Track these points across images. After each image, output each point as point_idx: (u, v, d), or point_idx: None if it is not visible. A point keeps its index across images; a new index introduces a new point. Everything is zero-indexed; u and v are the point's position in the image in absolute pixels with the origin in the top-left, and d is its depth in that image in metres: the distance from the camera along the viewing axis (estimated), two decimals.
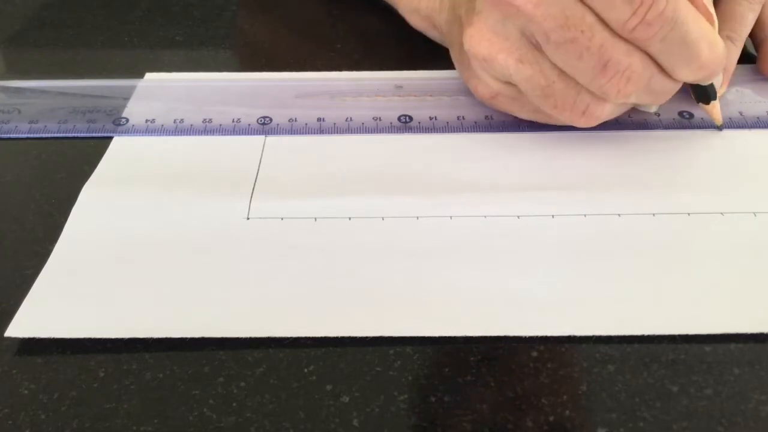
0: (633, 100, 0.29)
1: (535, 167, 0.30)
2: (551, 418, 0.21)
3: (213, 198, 0.29)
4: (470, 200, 0.28)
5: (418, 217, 0.28)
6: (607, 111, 0.29)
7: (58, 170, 0.31)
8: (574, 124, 0.29)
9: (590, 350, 0.23)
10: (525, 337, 0.23)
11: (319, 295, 0.25)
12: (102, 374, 0.23)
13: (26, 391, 0.22)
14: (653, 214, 0.28)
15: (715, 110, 0.32)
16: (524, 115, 0.31)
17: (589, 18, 0.26)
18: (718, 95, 0.32)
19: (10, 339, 0.23)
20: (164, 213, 0.28)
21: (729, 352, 0.23)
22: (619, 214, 0.28)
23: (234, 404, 0.22)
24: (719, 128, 0.32)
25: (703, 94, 0.31)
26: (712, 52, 0.27)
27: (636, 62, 0.27)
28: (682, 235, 0.27)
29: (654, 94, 0.29)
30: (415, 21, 0.36)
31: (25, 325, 0.24)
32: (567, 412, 0.21)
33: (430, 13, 0.34)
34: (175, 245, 0.27)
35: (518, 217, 0.28)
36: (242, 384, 0.22)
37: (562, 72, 0.28)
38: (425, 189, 0.29)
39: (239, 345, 0.23)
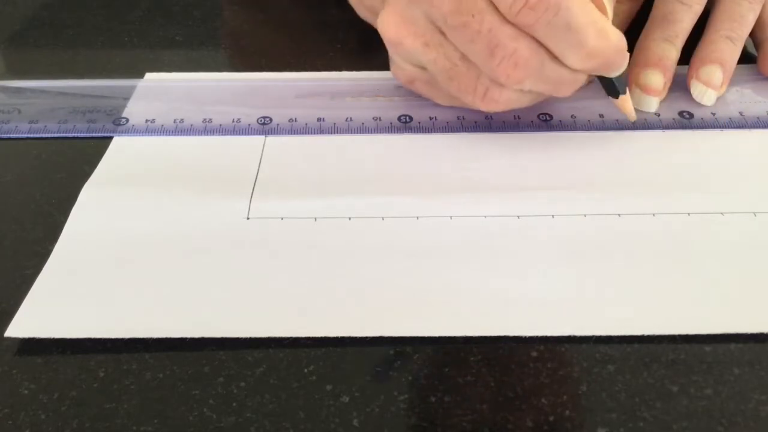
0: (530, 87, 0.28)
1: (535, 167, 0.30)
2: (551, 418, 0.21)
3: (213, 198, 0.29)
4: (470, 200, 0.28)
5: (418, 217, 0.28)
6: (506, 96, 0.29)
7: (58, 170, 0.31)
8: (478, 108, 0.30)
9: (590, 350, 0.23)
10: (525, 337, 0.23)
11: (319, 295, 0.25)
12: (102, 374, 0.23)
13: (26, 391, 0.22)
14: (653, 214, 0.28)
15: (626, 105, 0.31)
16: (441, 100, 0.32)
17: (481, 3, 0.26)
18: (713, 95, 0.32)
19: (10, 339, 0.23)
20: (164, 213, 0.28)
21: (729, 352, 0.23)
22: (619, 214, 0.28)
23: (234, 404, 0.22)
24: (634, 123, 0.32)
25: (610, 87, 0.30)
26: (601, 40, 0.26)
27: (523, 47, 0.27)
28: (682, 235, 0.27)
29: (551, 82, 0.28)
30: (362, 11, 0.36)
31: (25, 325, 0.24)
32: (567, 412, 0.21)
33: (371, 3, 0.34)
34: (175, 245, 0.27)
35: (518, 217, 0.28)
36: (242, 384, 0.22)
37: (463, 56, 0.28)
38: (425, 189, 0.29)
39: (239, 345, 0.23)
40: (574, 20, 0.26)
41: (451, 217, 0.28)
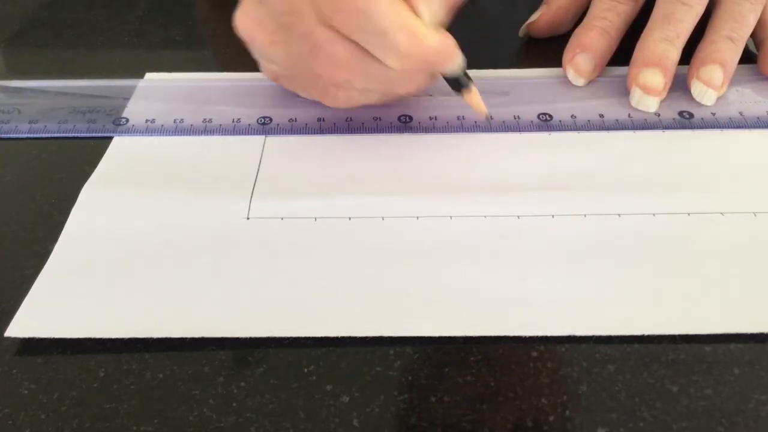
0: (362, 86, 0.29)
1: (535, 167, 0.30)
2: (551, 418, 0.21)
3: (213, 198, 0.29)
4: (470, 200, 0.28)
5: (418, 217, 0.28)
6: (345, 95, 0.30)
7: (58, 170, 0.31)
8: (325, 104, 0.31)
9: (590, 350, 0.23)
10: (525, 337, 0.23)
11: (319, 295, 0.25)
12: (102, 374, 0.23)
13: (26, 391, 0.22)
14: (653, 214, 0.28)
15: (474, 100, 0.31)
16: (306, 94, 0.32)
17: (304, 4, 0.27)
18: (714, 95, 0.32)
19: (10, 339, 0.23)
20: (164, 213, 0.28)
21: (729, 352, 0.23)
22: (619, 214, 0.28)
23: (234, 404, 0.22)
24: (487, 119, 0.32)
25: (453, 83, 0.31)
26: (414, 42, 0.27)
27: (340, 49, 0.27)
28: (682, 235, 0.27)
29: (384, 81, 0.29)
30: None
31: (25, 325, 0.24)
32: (567, 412, 0.21)
33: None
34: (175, 245, 0.27)
35: (518, 217, 0.28)
36: (242, 384, 0.22)
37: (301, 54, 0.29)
38: (425, 189, 0.29)
39: (239, 345, 0.23)
40: (382, 24, 0.26)
41: (451, 217, 0.28)
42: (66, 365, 0.23)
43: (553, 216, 0.28)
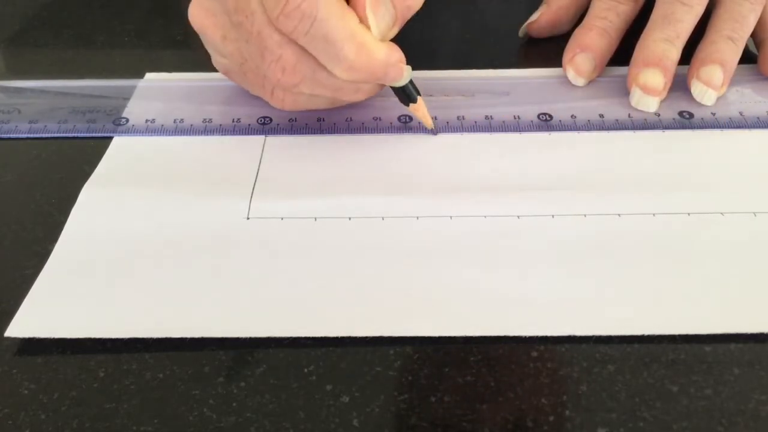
0: (309, 91, 0.29)
1: (535, 167, 0.30)
2: (551, 418, 0.21)
3: (213, 198, 0.29)
4: (470, 200, 0.28)
5: (418, 217, 0.28)
6: (291, 98, 0.30)
7: (58, 170, 0.31)
8: (271, 105, 0.31)
9: (590, 350, 0.23)
10: (525, 337, 0.23)
11: (319, 295, 0.25)
12: (102, 374, 0.23)
13: (26, 391, 0.22)
14: (653, 214, 0.28)
15: (420, 112, 0.32)
16: (253, 92, 0.32)
17: (254, 4, 0.27)
18: (714, 95, 0.32)
19: (10, 339, 0.23)
20: (164, 213, 0.28)
21: (729, 352, 0.23)
22: (619, 214, 0.28)
23: (234, 404, 0.22)
24: (433, 132, 0.32)
25: (401, 94, 0.31)
26: (362, 54, 0.27)
27: (288, 54, 0.27)
28: (682, 235, 0.27)
29: (330, 88, 0.29)
30: None
31: (25, 325, 0.24)
32: (567, 412, 0.21)
33: None
34: (175, 245, 0.27)
35: (518, 217, 0.28)
36: (242, 384, 0.22)
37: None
38: (425, 189, 0.29)
39: (239, 345, 0.23)
40: (330, 33, 0.26)
41: (451, 217, 0.28)
42: (66, 365, 0.23)
43: (553, 216, 0.28)
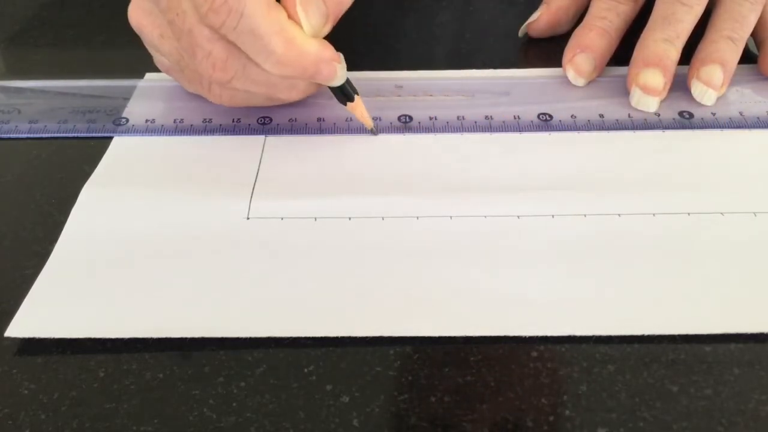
0: (243, 87, 0.29)
1: (535, 167, 0.30)
2: (551, 418, 0.21)
3: (213, 198, 0.29)
4: (470, 200, 0.28)
5: (418, 217, 0.28)
6: (228, 94, 0.30)
7: (58, 170, 0.31)
8: (210, 101, 0.31)
9: (590, 350, 0.23)
10: (525, 337, 0.23)
11: (319, 295, 0.25)
12: (102, 374, 0.23)
13: (26, 391, 0.22)
14: (653, 214, 0.28)
15: (358, 111, 0.32)
16: (192, 90, 0.32)
17: (185, 3, 0.27)
18: (714, 95, 0.32)
19: (10, 339, 0.23)
20: (164, 213, 0.28)
21: (729, 352, 0.23)
22: (619, 214, 0.28)
23: (234, 404, 0.22)
24: (373, 132, 0.32)
25: (337, 93, 0.31)
26: (291, 49, 0.27)
27: (218, 49, 0.28)
28: (682, 235, 0.27)
29: (264, 85, 0.29)
30: None
31: (25, 325, 0.24)
32: (567, 412, 0.21)
33: None
34: (175, 245, 0.27)
35: (518, 217, 0.28)
36: (242, 384, 0.22)
37: None
38: (425, 189, 0.29)
39: (239, 345, 0.23)
40: (257, 28, 0.26)
41: (451, 217, 0.28)
42: (66, 365, 0.23)
43: (553, 216, 0.28)
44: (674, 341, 0.23)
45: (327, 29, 0.29)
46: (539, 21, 0.38)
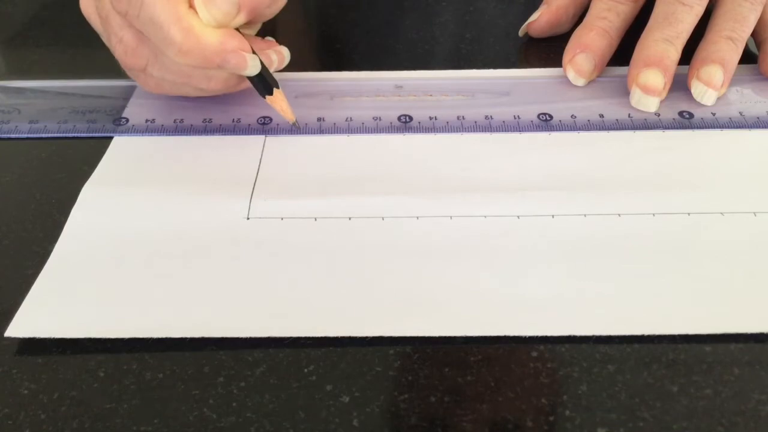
0: (160, 74, 0.30)
1: (535, 167, 0.30)
2: (551, 418, 0.21)
3: (213, 198, 0.29)
4: (470, 200, 0.28)
5: (418, 217, 0.28)
6: (153, 81, 0.31)
7: (58, 170, 0.31)
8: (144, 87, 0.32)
9: (590, 350, 0.23)
10: (525, 337, 0.23)
11: (319, 295, 0.25)
12: (102, 374, 0.23)
13: (26, 391, 0.22)
14: (653, 214, 0.28)
15: (278, 105, 0.31)
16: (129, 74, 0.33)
17: None
18: (714, 95, 0.32)
19: (10, 339, 0.23)
20: (164, 213, 0.28)
21: (729, 352, 0.23)
22: (619, 214, 0.28)
23: (234, 404, 0.22)
24: (295, 126, 0.32)
25: (257, 86, 0.31)
26: (189, 38, 0.27)
27: (128, 36, 0.29)
28: (682, 235, 0.27)
29: (179, 73, 0.30)
30: None
31: (25, 325, 0.24)
32: (567, 412, 0.21)
33: None
34: (175, 245, 0.27)
35: (518, 217, 0.28)
36: (242, 384, 0.22)
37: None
38: (425, 189, 0.29)
39: (239, 345, 0.23)
40: (156, 16, 0.27)
41: (451, 217, 0.28)
42: (66, 365, 0.23)
43: (553, 216, 0.28)
44: (674, 341, 0.23)
45: (240, 20, 0.29)
46: (539, 20, 0.38)
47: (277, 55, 0.32)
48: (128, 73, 0.32)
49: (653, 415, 0.21)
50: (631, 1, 0.35)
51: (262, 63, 0.30)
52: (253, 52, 0.29)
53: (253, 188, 0.29)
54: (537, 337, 0.23)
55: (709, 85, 0.33)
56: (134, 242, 0.27)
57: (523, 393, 0.22)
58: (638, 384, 0.22)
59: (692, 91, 0.33)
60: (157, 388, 0.22)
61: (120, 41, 0.29)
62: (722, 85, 0.33)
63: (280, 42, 0.33)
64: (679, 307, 0.24)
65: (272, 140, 0.32)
